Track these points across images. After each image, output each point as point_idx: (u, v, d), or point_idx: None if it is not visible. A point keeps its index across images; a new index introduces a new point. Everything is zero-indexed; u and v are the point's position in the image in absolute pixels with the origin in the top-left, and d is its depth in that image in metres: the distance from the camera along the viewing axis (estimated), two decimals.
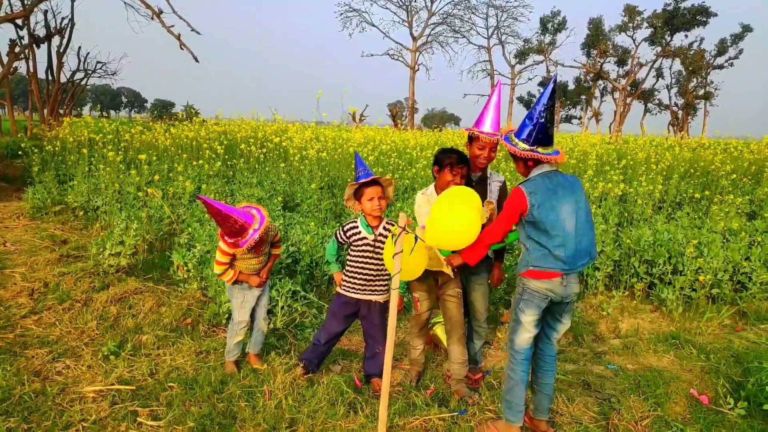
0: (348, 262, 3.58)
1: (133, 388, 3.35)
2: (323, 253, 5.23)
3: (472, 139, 3.59)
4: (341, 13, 41.33)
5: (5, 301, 4.58)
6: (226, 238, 3.31)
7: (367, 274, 3.52)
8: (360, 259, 3.51)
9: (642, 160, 10.31)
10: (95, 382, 3.40)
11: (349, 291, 3.57)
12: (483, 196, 3.53)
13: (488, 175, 3.68)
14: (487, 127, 3.52)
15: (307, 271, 5.25)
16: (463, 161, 3.44)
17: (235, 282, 3.58)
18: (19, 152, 11.07)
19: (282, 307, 4.52)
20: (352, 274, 3.55)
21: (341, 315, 3.63)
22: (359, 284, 3.54)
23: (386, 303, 3.59)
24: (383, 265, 3.46)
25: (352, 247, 3.55)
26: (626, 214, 7.41)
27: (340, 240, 3.59)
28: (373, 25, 41.83)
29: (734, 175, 9.50)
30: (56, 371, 3.55)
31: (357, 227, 3.51)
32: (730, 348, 4.16)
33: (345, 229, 3.56)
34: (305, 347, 4.15)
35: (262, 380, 3.45)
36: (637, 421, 3.22)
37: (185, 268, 4.92)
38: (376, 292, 3.56)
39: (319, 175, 8.11)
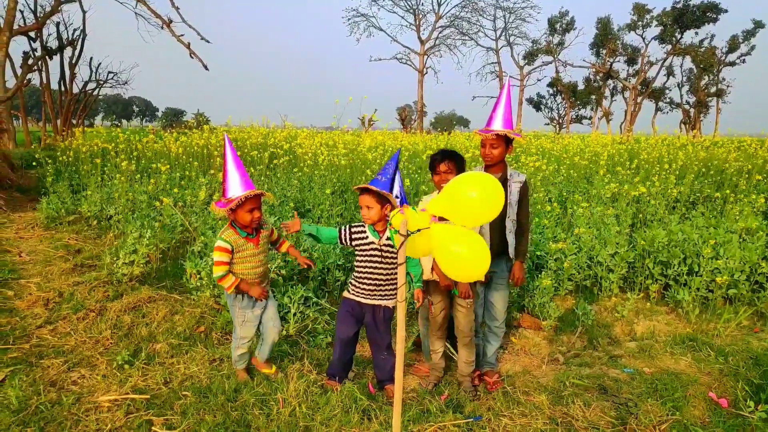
0: (356, 267, 3.53)
1: (148, 397, 3.36)
2: (335, 259, 5.22)
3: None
4: (349, 18, 41.55)
5: (21, 312, 4.63)
6: (224, 197, 3.28)
7: (376, 279, 3.46)
8: (369, 265, 3.46)
9: (654, 160, 10.21)
10: (110, 392, 3.42)
11: (357, 296, 3.53)
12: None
13: (509, 176, 3.65)
14: (489, 125, 3.54)
15: (319, 278, 5.25)
16: (448, 158, 3.44)
17: (236, 296, 3.46)
18: (33, 163, 11.22)
19: (294, 314, 4.52)
20: (360, 279, 3.50)
21: (348, 319, 3.57)
22: (368, 290, 3.49)
23: (392, 310, 3.56)
24: (392, 270, 3.43)
25: (359, 252, 3.49)
26: (640, 215, 7.34)
27: (343, 238, 3.48)
28: (381, 30, 41.97)
29: (758, 176, 9.35)
30: (71, 381, 3.57)
31: (364, 230, 3.45)
32: (748, 350, 4.09)
33: (352, 229, 3.47)
34: (318, 354, 4.15)
35: (275, 388, 3.45)
36: (656, 425, 3.17)
37: (198, 276, 4.94)
38: (385, 297, 3.51)
39: (332, 180, 8.12)
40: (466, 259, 2.50)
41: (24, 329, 4.30)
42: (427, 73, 41.96)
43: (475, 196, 2.47)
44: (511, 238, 3.67)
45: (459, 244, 2.52)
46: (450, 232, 2.60)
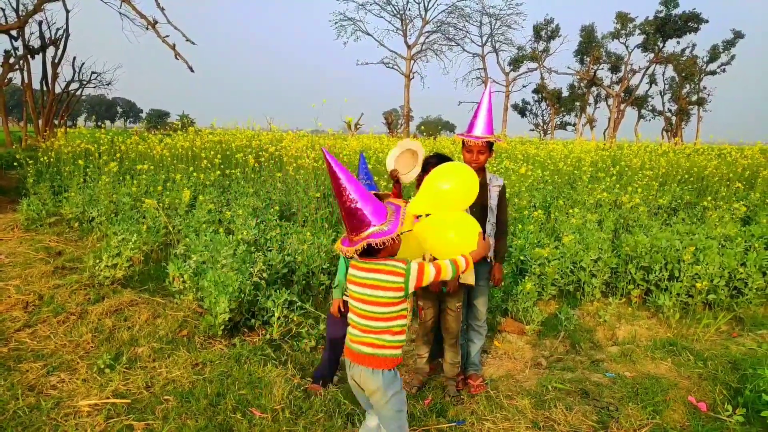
0: None
1: (129, 401, 3.32)
2: (320, 263, 5.21)
3: (462, 144, 3.64)
4: (336, 22, 41.50)
5: None
6: (362, 230, 2.34)
7: None
8: None
9: (637, 167, 10.35)
10: (90, 396, 3.37)
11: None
12: (483, 200, 3.56)
13: (488, 180, 3.69)
14: (474, 130, 3.57)
15: (304, 281, 5.24)
16: (442, 162, 3.45)
17: (396, 372, 2.47)
18: (14, 163, 11.04)
19: (278, 318, 4.50)
20: None
21: (340, 319, 3.57)
22: None
23: None
24: None
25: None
26: (622, 221, 7.43)
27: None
28: (368, 34, 42.01)
29: (738, 184, 9.51)
30: (51, 385, 3.52)
31: None
32: (727, 354, 4.16)
33: None
34: (302, 358, 4.13)
35: (259, 393, 3.43)
36: (636, 429, 3.22)
37: (181, 279, 4.90)
38: None
39: (314, 183, 8.11)
40: (457, 231, 2.60)
41: (2, 332, 4.22)
42: (413, 77, 42.06)
43: (449, 187, 2.66)
44: (490, 242, 3.73)
45: (448, 227, 2.63)
46: (433, 221, 2.70)
